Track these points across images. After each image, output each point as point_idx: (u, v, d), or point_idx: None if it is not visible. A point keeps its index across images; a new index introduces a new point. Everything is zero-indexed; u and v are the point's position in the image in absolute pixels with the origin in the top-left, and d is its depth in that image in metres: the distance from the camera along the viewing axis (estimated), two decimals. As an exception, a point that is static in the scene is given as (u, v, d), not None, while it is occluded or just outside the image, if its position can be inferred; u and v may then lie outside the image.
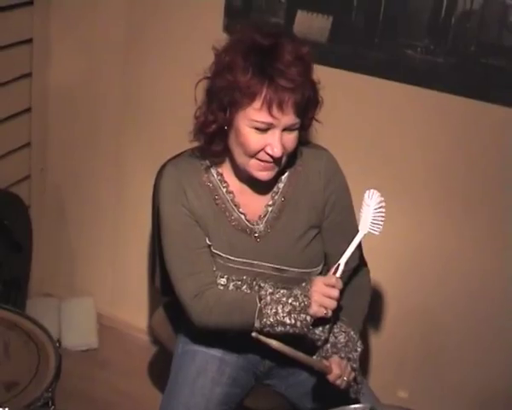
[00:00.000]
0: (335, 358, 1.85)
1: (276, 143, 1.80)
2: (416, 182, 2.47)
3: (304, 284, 1.84)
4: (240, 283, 1.94)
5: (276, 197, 1.96)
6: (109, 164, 2.96)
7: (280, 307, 1.82)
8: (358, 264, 2.05)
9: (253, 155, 1.83)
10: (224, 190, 1.95)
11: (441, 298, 2.53)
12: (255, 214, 1.96)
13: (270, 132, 1.80)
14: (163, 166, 2.12)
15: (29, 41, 2.80)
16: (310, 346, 1.87)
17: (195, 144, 1.97)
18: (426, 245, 2.50)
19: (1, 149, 2.80)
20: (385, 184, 2.35)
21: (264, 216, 1.96)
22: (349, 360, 1.86)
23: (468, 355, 2.55)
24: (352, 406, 1.75)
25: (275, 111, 1.76)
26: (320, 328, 1.86)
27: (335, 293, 1.79)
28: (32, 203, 3.01)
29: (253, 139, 1.81)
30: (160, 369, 2.47)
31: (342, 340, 1.88)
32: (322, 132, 2.03)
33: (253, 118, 1.79)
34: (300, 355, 1.78)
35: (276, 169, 1.88)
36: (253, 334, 1.78)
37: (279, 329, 1.83)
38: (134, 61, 2.79)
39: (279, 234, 1.95)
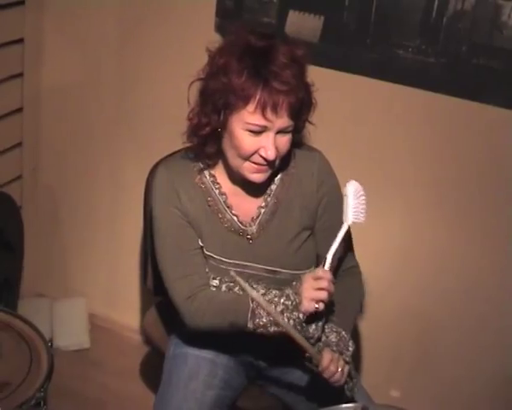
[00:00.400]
0: (327, 349, 1.84)
1: (269, 145, 1.80)
2: (409, 182, 2.47)
3: (294, 283, 1.85)
4: (232, 284, 1.93)
5: (269, 199, 1.96)
6: (102, 164, 2.95)
7: (272, 308, 1.82)
8: (350, 265, 2.06)
9: (247, 158, 1.83)
10: (217, 191, 1.94)
11: (434, 297, 2.53)
12: (248, 216, 1.95)
13: (263, 135, 1.80)
14: (155, 166, 2.12)
15: (20, 41, 2.79)
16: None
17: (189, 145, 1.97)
18: (419, 245, 2.51)
19: (-8, 149, 2.79)
20: (378, 184, 2.39)
21: (257, 218, 1.95)
22: (341, 354, 1.86)
23: (462, 355, 2.55)
24: (344, 405, 1.75)
25: (269, 114, 1.76)
26: (313, 326, 1.86)
27: (324, 283, 1.79)
28: (23, 203, 3.00)
29: (247, 142, 1.81)
30: (153, 369, 2.46)
31: (334, 339, 1.89)
32: (314, 133, 2.03)
33: (247, 121, 1.78)
34: (291, 330, 1.74)
35: (270, 171, 1.88)
36: (232, 273, 1.69)
37: (272, 329, 1.84)
38: (127, 60, 2.78)
39: (272, 236, 1.95)
